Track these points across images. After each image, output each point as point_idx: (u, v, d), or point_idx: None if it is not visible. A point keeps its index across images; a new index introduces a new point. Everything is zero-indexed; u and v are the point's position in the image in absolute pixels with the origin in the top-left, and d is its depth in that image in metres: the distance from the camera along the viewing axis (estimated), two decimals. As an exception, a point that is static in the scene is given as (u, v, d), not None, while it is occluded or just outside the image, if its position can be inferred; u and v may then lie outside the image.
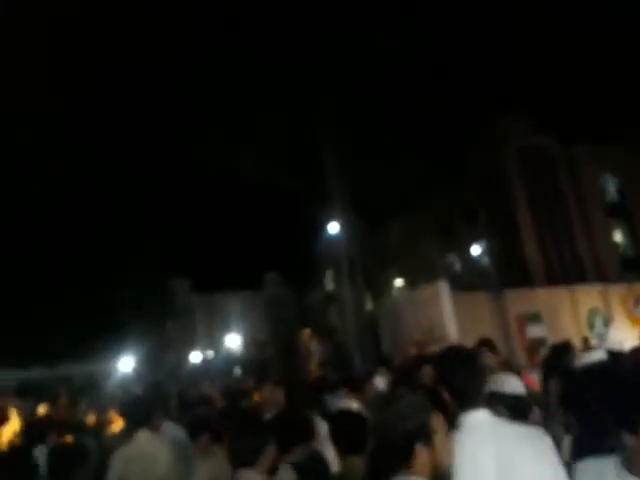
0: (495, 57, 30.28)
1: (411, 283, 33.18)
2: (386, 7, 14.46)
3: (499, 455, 1.92)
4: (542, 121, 27.92)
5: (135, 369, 13.77)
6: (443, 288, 10.46)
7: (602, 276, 25.08)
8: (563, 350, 4.67)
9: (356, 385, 4.81)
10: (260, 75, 15.17)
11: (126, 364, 14.77)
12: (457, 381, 2.13)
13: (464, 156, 27.89)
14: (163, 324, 45.11)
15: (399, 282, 36.89)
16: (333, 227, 16.94)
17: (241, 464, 2.67)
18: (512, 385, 2.82)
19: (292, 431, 3.04)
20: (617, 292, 12.59)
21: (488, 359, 4.21)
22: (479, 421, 2.04)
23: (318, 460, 2.80)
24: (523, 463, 1.90)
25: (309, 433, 3.07)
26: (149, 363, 14.79)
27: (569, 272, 25.82)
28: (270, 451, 2.74)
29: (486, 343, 4.58)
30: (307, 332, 15.79)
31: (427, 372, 4.14)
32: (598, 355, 3.22)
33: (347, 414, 3.05)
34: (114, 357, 16.61)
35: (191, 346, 36.75)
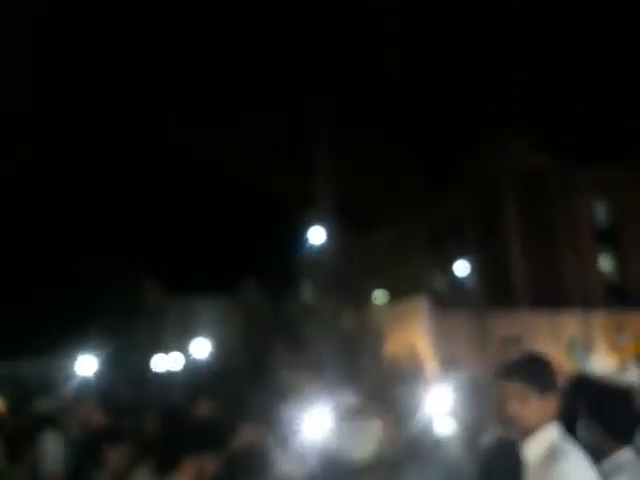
0: (496, 74, 30.75)
1: (393, 295, 33.28)
2: (389, 21, 14.61)
3: None
4: (540, 141, 28.36)
5: (96, 372, 13.51)
6: (423, 305, 10.56)
7: (586, 301, 25.46)
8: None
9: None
10: (250, 75, 15.18)
11: (87, 364, 14.48)
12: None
13: (459, 170, 28.20)
14: (131, 323, 44.61)
15: (381, 294, 36.96)
16: (315, 234, 16.91)
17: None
18: None
19: None
20: (599, 319, 12.82)
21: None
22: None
23: None
24: None
25: None
26: (114, 363, 14.58)
27: (553, 295, 26.16)
28: None
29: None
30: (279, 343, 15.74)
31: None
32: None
33: None
34: (73, 354, 16.27)
35: (160, 349, 36.31)
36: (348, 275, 18.57)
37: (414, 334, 10.21)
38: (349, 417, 3.28)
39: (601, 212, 30.41)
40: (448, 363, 8.50)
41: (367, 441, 2.47)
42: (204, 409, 5.56)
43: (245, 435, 3.32)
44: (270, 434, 3.20)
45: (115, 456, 3.09)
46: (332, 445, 3.03)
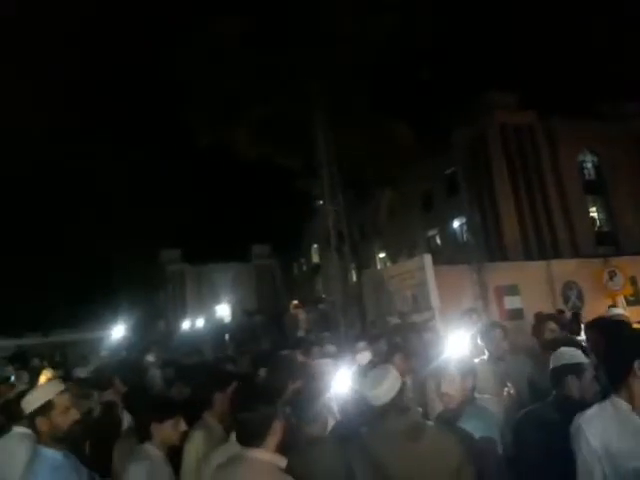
0: (483, 35, 29.97)
1: (394, 256, 33.39)
2: None
3: None
4: (526, 97, 27.87)
5: (126, 336, 13.77)
6: (427, 261, 10.50)
7: (578, 251, 25.45)
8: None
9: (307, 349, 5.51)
10: (254, 51, 14.86)
11: (118, 332, 14.74)
12: None
13: (449, 131, 27.76)
14: (155, 293, 45.11)
15: (383, 255, 37.10)
16: (321, 201, 16.86)
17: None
18: (578, 356, 2.84)
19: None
20: (592, 266, 12.74)
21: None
22: None
23: None
24: None
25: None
26: (140, 330, 14.80)
27: (546, 246, 26.12)
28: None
29: (550, 317, 4.92)
30: (294, 302, 15.83)
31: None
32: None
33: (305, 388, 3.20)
34: (107, 325, 16.58)
35: (182, 315, 36.80)
36: (352, 238, 18.50)
37: (420, 289, 10.19)
38: (368, 367, 3.33)
39: (589, 163, 30.09)
40: (453, 313, 8.52)
41: (388, 386, 2.58)
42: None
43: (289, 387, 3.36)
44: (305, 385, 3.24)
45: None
46: (356, 392, 3.13)
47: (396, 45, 14.79)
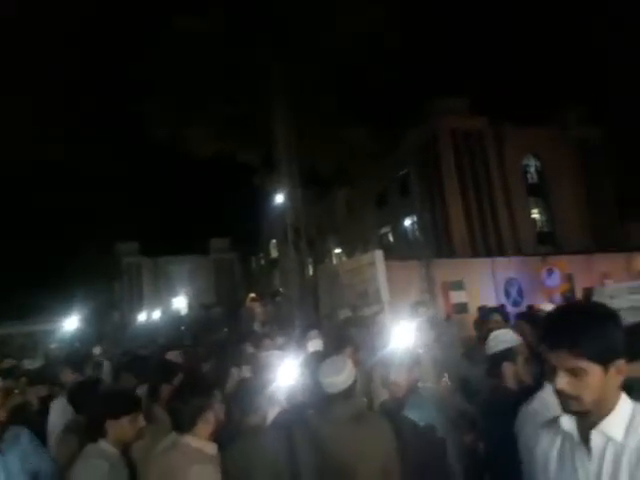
0: (437, 41, 30.47)
1: (349, 252, 33.69)
2: None
3: None
4: (475, 103, 28.61)
5: (79, 328, 13.29)
6: (378, 256, 10.65)
7: (520, 249, 26.42)
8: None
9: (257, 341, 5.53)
10: (212, 46, 14.62)
11: (71, 323, 14.20)
12: None
13: (403, 133, 28.19)
14: (110, 285, 43.74)
15: (339, 250, 37.36)
16: (279, 196, 16.81)
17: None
18: (510, 339, 2.86)
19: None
20: (532, 264, 13.27)
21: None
22: None
23: None
24: None
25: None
26: (94, 322, 14.32)
27: (491, 244, 26.99)
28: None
29: (495, 310, 5.01)
30: (251, 296, 15.74)
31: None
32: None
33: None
34: (59, 317, 15.94)
35: (138, 307, 35.87)
36: (309, 234, 18.55)
37: (372, 283, 10.32)
38: (319, 355, 3.36)
39: (531, 168, 31.26)
40: (402, 306, 8.67)
41: (346, 376, 2.68)
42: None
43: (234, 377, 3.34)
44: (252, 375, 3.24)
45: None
46: (306, 378, 3.16)
47: (355, 47, 14.90)
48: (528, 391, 2.40)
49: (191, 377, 3.15)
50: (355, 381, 2.71)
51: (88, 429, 2.71)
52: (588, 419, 1.42)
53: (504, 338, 2.80)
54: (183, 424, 2.43)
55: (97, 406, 2.75)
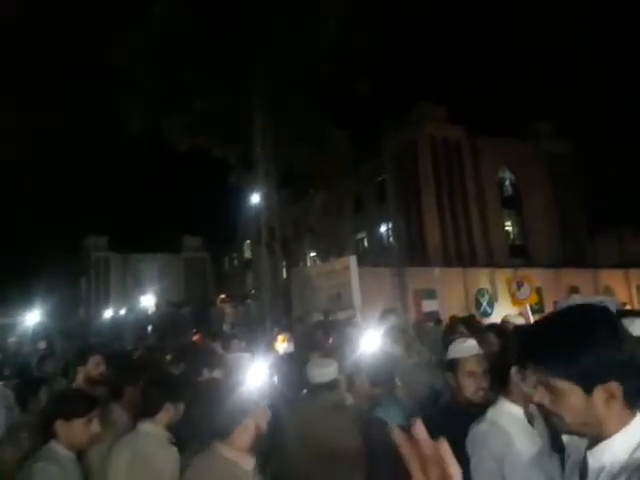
0: (417, 49, 30.90)
1: (323, 256, 33.71)
2: None
3: None
4: (454, 112, 29.05)
5: (41, 323, 12.90)
6: (352, 262, 10.69)
7: (492, 260, 26.87)
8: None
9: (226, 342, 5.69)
10: (192, 40, 14.49)
11: (33, 318, 13.77)
12: None
13: (381, 138, 28.40)
14: (77, 280, 42.68)
15: (313, 254, 37.34)
16: (255, 196, 16.70)
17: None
18: (462, 349, 2.75)
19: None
20: (503, 275, 13.51)
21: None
22: None
23: None
24: None
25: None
26: (57, 317, 13.93)
27: (464, 255, 27.37)
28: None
29: (463, 320, 5.03)
30: (221, 297, 15.59)
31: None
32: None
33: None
34: (19, 311, 15.44)
35: (104, 303, 35.08)
36: (284, 236, 18.50)
37: (345, 288, 10.34)
38: (295, 358, 3.40)
39: (506, 180, 31.85)
40: (374, 312, 8.69)
41: (333, 369, 3.02)
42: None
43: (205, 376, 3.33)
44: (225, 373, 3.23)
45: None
46: (280, 380, 3.26)
47: (336, 50, 14.97)
48: (478, 407, 2.39)
49: (159, 378, 3.06)
50: (338, 378, 2.96)
51: (38, 429, 2.57)
52: (585, 438, 1.28)
53: (458, 347, 2.74)
54: (218, 432, 2.18)
55: (47, 406, 2.62)
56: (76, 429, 2.45)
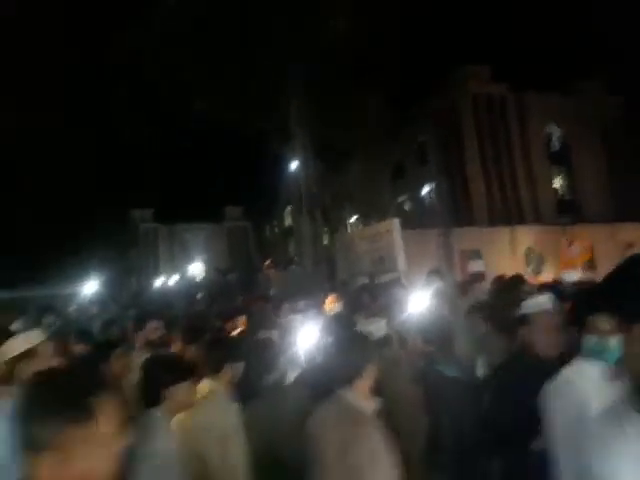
0: (458, 7, 29.55)
1: (364, 221, 33.58)
2: None
3: None
4: (498, 70, 27.85)
5: (97, 292, 13.59)
6: (396, 224, 10.63)
7: (540, 218, 26.07)
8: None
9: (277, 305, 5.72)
10: (227, 14, 14.37)
11: (90, 288, 14.51)
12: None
13: (422, 100, 27.65)
14: (127, 251, 44.42)
15: (354, 220, 37.24)
16: (294, 164, 16.72)
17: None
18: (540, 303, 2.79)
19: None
20: (552, 233, 13.12)
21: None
22: None
23: None
24: None
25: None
26: (112, 287, 14.63)
27: (510, 213, 26.67)
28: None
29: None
30: (267, 262, 15.86)
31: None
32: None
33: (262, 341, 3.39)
34: (78, 282, 16.30)
35: (154, 273, 36.41)
36: (324, 202, 18.53)
37: (389, 251, 10.32)
38: (344, 319, 3.48)
39: (554, 136, 30.54)
40: (419, 274, 8.67)
41: (380, 324, 3.17)
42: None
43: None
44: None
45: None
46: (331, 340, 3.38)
47: (373, 12, 14.50)
48: (551, 363, 2.38)
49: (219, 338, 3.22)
50: (390, 334, 3.12)
51: (140, 395, 2.51)
52: None
53: (532, 303, 2.73)
54: (343, 380, 2.35)
55: (151, 371, 2.54)
56: (181, 394, 2.44)
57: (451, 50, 30.29)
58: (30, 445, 1.17)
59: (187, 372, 2.50)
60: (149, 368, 2.53)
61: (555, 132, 30.45)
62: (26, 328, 3.94)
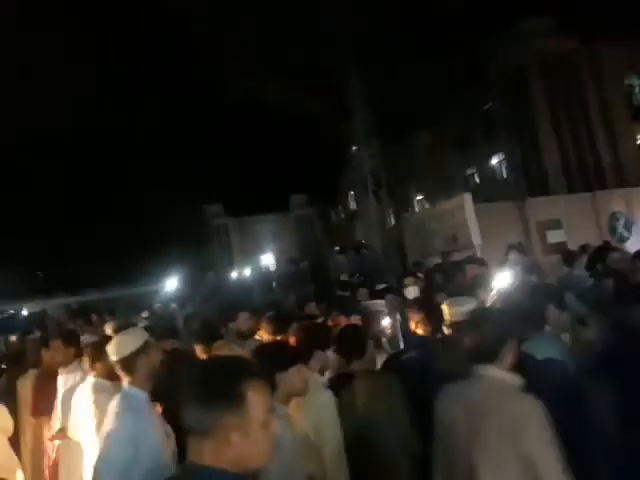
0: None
1: (431, 198, 32.82)
2: None
3: None
4: (564, 22, 25.85)
5: (178, 289, 14.32)
6: (467, 199, 10.32)
7: (624, 181, 24.23)
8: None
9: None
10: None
11: (171, 285, 15.34)
12: None
13: (484, 65, 26.32)
14: (202, 247, 46.36)
15: (420, 197, 36.52)
16: (356, 146, 16.59)
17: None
18: None
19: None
20: (639, 195, 12.20)
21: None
22: None
23: None
24: None
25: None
26: (191, 282, 15.35)
27: (589, 178, 25.02)
28: None
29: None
30: (336, 248, 15.96)
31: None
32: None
33: (350, 327, 3.36)
34: (159, 279, 17.28)
35: (229, 266, 37.72)
36: (389, 182, 18.27)
37: (461, 228, 10.04)
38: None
39: (636, 88, 28.13)
40: (495, 250, 8.39)
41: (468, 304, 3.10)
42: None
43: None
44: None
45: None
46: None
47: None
48: None
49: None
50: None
51: None
52: None
53: None
54: (487, 356, 2.29)
55: (262, 359, 2.46)
56: (292, 379, 2.47)
57: (510, 4, 28.22)
58: (195, 429, 1.34)
59: (296, 358, 2.54)
60: (261, 356, 2.53)
61: (636, 84, 28.04)
62: (121, 327, 4.23)
